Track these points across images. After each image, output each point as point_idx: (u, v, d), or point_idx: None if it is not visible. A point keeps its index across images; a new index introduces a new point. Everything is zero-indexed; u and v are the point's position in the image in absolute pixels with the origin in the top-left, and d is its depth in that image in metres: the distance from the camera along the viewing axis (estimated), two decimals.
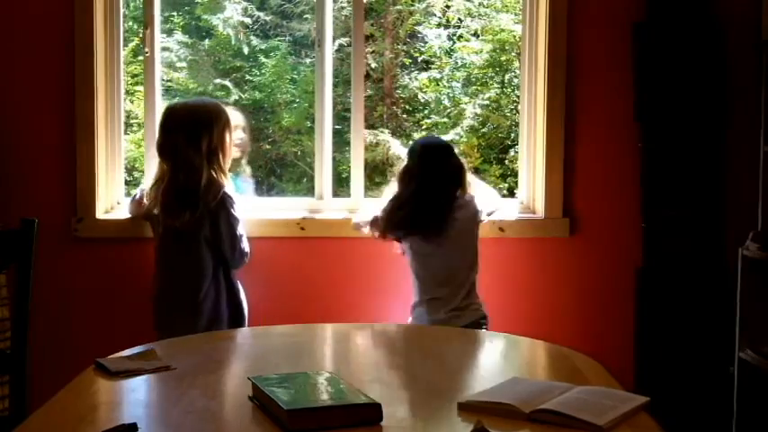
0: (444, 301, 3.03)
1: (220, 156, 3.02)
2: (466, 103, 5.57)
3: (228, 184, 3.06)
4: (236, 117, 3.22)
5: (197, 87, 5.54)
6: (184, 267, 3.03)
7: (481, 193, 3.18)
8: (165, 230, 3.04)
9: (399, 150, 5.24)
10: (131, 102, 4.89)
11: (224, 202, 2.99)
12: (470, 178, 3.16)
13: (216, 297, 3.04)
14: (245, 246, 3.07)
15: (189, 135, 2.99)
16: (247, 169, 3.47)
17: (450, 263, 3.06)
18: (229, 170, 3.14)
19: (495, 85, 5.61)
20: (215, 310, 3.03)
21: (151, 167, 3.26)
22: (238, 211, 3.04)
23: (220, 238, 3.00)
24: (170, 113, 3.09)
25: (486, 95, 5.52)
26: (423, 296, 3.08)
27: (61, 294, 3.28)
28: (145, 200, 3.08)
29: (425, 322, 3.04)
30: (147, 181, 3.18)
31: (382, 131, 5.36)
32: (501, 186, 5.23)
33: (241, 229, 3.05)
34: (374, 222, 3.14)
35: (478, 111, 5.47)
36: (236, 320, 3.08)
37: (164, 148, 3.04)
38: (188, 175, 2.97)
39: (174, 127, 3.02)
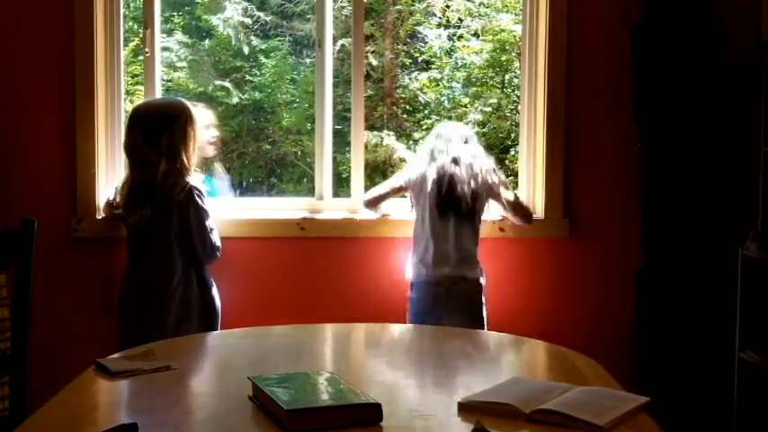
0: (444, 261, 3.09)
1: (182, 153, 3.01)
2: (466, 106, 5.57)
3: (195, 180, 3.04)
4: (206, 116, 3.22)
5: (197, 87, 5.54)
6: (153, 264, 3.02)
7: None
8: (131, 228, 3.05)
9: (403, 154, 5.23)
10: (131, 102, 4.88)
11: (191, 195, 2.98)
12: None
13: (185, 295, 3.01)
14: (216, 240, 3.06)
15: (147, 133, 3.00)
16: (219, 168, 3.47)
17: (460, 234, 3.11)
18: (202, 170, 3.14)
19: (496, 87, 5.61)
20: (184, 309, 3.01)
21: None
22: (208, 204, 3.04)
23: (190, 231, 2.99)
24: (133, 113, 3.12)
25: (489, 102, 5.50)
26: (424, 253, 3.13)
27: (61, 294, 3.27)
28: (117, 199, 3.11)
29: (424, 277, 3.10)
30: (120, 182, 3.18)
31: (388, 134, 5.35)
32: None
33: (211, 223, 3.04)
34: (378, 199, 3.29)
35: (479, 117, 5.46)
36: (208, 319, 3.06)
37: (126, 147, 3.07)
38: (144, 172, 2.98)
39: (135, 126, 3.05)
